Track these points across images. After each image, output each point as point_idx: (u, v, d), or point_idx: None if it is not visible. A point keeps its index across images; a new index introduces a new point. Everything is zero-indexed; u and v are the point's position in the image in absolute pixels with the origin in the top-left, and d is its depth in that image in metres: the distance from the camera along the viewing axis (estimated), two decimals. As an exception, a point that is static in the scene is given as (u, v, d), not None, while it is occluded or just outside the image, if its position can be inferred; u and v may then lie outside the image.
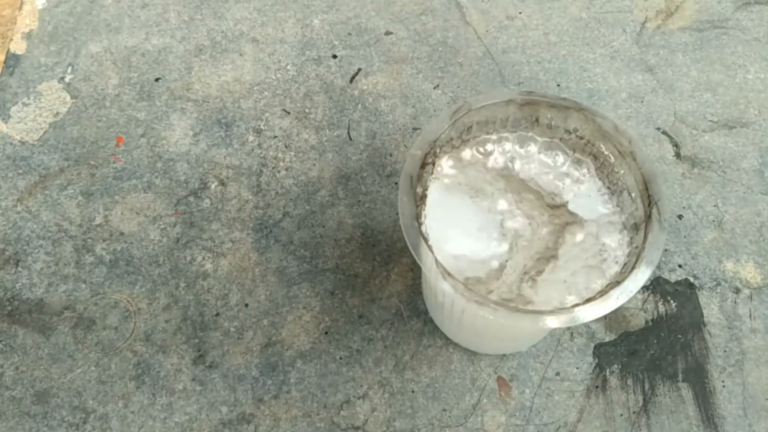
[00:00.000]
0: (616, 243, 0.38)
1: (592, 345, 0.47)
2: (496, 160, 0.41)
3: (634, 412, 0.45)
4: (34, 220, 0.52)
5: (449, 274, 0.34)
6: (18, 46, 0.60)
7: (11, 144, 0.55)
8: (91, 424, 0.44)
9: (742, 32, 0.63)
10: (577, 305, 0.33)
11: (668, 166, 0.55)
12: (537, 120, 0.40)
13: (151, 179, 0.54)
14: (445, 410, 0.45)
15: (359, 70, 0.60)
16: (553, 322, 0.33)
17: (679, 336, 0.48)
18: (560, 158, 0.40)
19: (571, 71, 0.60)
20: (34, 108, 0.57)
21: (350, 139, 0.56)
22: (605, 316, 0.44)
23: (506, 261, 0.37)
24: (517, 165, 0.40)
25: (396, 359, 0.47)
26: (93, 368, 0.46)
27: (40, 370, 0.46)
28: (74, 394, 0.45)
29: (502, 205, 0.39)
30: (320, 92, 0.58)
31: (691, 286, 0.50)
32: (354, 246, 0.51)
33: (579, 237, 0.38)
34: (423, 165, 0.37)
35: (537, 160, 0.41)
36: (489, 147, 0.41)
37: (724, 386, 0.46)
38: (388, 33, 0.62)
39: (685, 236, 0.52)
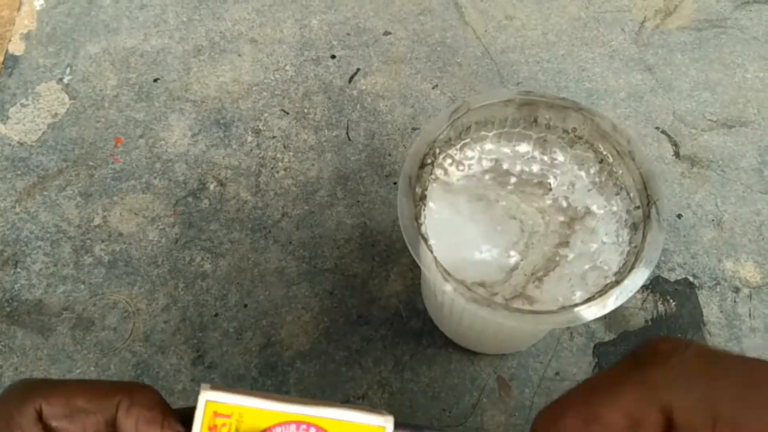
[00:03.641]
0: (615, 242, 0.37)
1: (592, 345, 0.47)
2: (495, 159, 0.41)
3: (633, 412, 0.45)
4: (32, 221, 0.51)
5: (449, 274, 0.34)
6: (16, 47, 0.60)
7: (10, 145, 0.55)
8: (91, 425, 0.44)
9: (741, 31, 0.63)
10: (576, 305, 0.33)
11: (667, 166, 0.55)
12: (536, 120, 0.40)
13: (150, 180, 0.53)
14: (444, 410, 0.45)
15: (358, 70, 0.60)
16: (552, 322, 0.33)
17: (679, 335, 0.48)
18: (561, 157, 0.40)
19: (569, 71, 0.60)
20: (33, 109, 0.57)
21: (349, 139, 0.56)
22: (605, 316, 0.44)
23: (520, 261, 0.37)
24: (517, 164, 0.40)
25: (395, 359, 0.47)
26: (92, 369, 0.46)
27: (39, 371, 0.46)
28: (73, 395, 0.45)
29: (509, 204, 0.39)
30: (319, 92, 0.58)
31: (691, 285, 0.50)
32: (353, 246, 0.51)
33: (584, 231, 0.38)
34: (422, 165, 0.37)
35: (536, 159, 0.41)
36: (488, 146, 0.41)
37: (723, 385, 0.46)
38: (386, 33, 0.62)
39: (684, 235, 0.52)
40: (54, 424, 0.24)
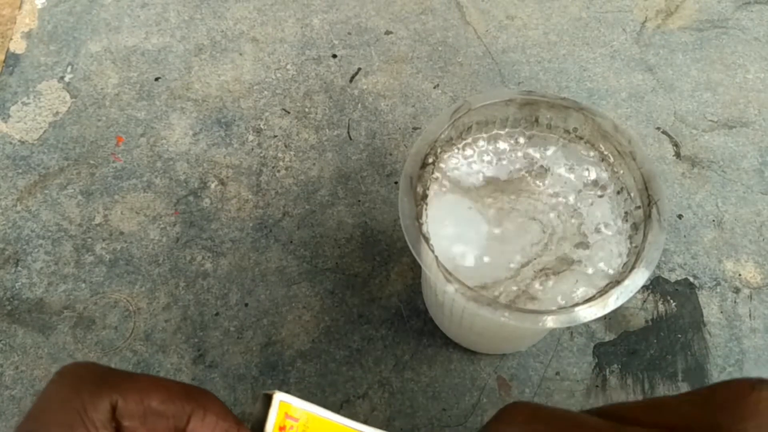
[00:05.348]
0: (616, 242, 0.37)
1: (592, 345, 0.47)
2: (497, 159, 0.41)
3: (633, 412, 0.45)
4: (33, 219, 0.52)
5: (450, 274, 0.34)
6: (17, 46, 0.60)
7: (11, 143, 0.55)
8: (91, 423, 0.44)
9: (742, 32, 0.63)
10: (577, 305, 0.33)
11: (668, 166, 0.55)
12: (537, 120, 0.40)
13: (151, 179, 0.54)
14: (445, 410, 0.45)
15: (359, 69, 0.60)
16: (552, 322, 0.33)
17: (679, 336, 0.48)
18: (562, 157, 0.40)
19: (570, 71, 0.60)
20: (34, 107, 0.57)
21: (350, 138, 0.56)
22: (605, 316, 0.44)
23: (533, 259, 0.37)
24: (518, 164, 0.40)
25: (396, 359, 0.47)
26: (93, 368, 0.46)
27: (40, 370, 0.46)
28: (74, 394, 0.45)
29: (523, 203, 0.39)
30: (320, 92, 0.58)
31: (691, 285, 0.50)
32: (354, 246, 0.51)
33: (593, 232, 0.38)
34: (423, 165, 0.37)
35: (537, 159, 0.41)
36: (489, 146, 0.41)
37: (723, 386, 0.46)
38: (387, 32, 0.62)
39: (684, 236, 0.52)
40: (126, 423, 0.23)
